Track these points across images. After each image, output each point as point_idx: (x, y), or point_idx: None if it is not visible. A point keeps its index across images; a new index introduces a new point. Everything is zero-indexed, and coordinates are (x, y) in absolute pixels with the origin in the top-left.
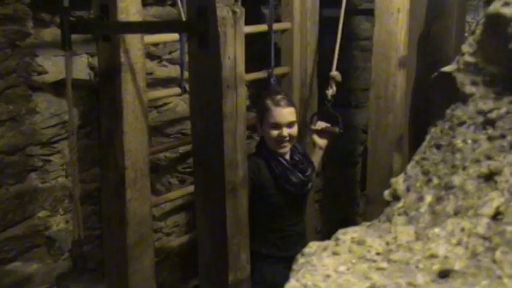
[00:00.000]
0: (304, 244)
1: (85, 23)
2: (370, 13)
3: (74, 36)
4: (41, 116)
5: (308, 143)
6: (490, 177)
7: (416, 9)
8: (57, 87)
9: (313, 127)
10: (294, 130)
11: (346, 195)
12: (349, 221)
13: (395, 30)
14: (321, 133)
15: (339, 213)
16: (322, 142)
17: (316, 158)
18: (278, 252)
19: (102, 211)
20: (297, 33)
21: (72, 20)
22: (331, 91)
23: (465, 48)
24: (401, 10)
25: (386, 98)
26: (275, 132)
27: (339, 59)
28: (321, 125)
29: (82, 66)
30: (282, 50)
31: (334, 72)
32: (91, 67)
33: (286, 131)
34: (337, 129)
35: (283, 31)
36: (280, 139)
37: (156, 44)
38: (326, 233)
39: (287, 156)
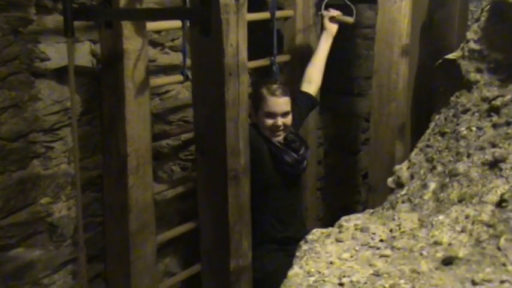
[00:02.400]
0: (301, 225)
1: (88, 10)
2: (373, 1)
3: (76, 23)
4: (43, 103)
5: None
6: (494, 165)
7: None
8: (60, 74)
9: (324, 13)
10: (289, 119)
11: (348, 183)
12: (351, 209)
13: (398, 18)
14: (332, 20)
15: (340, 201)
16: (333, 28)
17: (325, 46)
18: (274, 231)
19: (104, 198)
20: (300, 21)
21: (75, 6)
22: None
23: (470, 35)
24: None
25: (389, 86)
26: (269, 121)
27: (342, 47)
28: (333, 12)
29: (84, 53)
30: (285, 37)
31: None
32: (93, 54)
33: (280, 121)
34: (351, 18)
35: (286, 18)
36: (274, 128)
37: (158, 31)
38: (328, 220)
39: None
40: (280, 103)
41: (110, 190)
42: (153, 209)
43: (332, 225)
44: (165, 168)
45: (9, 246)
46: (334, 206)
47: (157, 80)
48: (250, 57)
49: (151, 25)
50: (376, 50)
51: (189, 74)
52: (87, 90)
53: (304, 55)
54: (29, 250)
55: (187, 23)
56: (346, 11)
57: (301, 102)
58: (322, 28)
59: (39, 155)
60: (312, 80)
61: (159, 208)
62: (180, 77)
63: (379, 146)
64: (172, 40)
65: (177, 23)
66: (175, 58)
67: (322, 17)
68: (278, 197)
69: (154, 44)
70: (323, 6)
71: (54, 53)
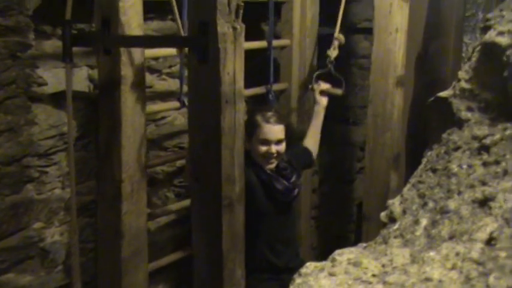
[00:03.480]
0: (294, 254)
1: (86, 36)
2: (369, 32)
3: (74, 49)
4: (39, 127)
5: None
6: (484, 203)
7: (415, 29)
8: (57, 99)
9: (315, 86)
10: (282, 147)
11: (343, 212)
12: (345, 238)
13: (394, 49)
14: (323, 94)
15: (335, 230)
16: (324, 100)
17: (318, 119)
18: (266, 260)
19: (98, 223)
20: (296, 50)
21: (74, 32)
22: (334, 53)
23: (461, 74)
24: (400, 30)
25: (384, 116)
26: (263, 149)
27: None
28: (323, 85)
29: (81, 78)
30: (281, 66)
31: (339, 34)
32: (90, 79)
33: (274, 148)
34: (340, 91)
35: (282, 47)
36: (268, 155)
37: (156, 58)
38: (322, 249)
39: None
40: (275, 130)
41: (103, 216)
42: (146, 236)
43: (326, 255)
44: (160, 195)
45: (0, 271)
46: (329, 234)
47: (153, 106)
48: (247, 85)
49: (149, 52)
50: (371, 80)
51: (186, 100)
52: (84, 116)
53: (301, 84)
54: (20, 275)
55: (185, 51)
56: (336, 82)
57: (301, 154)
58: (314, 101)
59: (33, 179)
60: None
61: (152, 235)
62: (176, 104)
63: (374, 175)
64: (170, 67)
65: (175, 50)
66: (172, 85)
67: (313, 90)
68: (270, 225)
69: (151, 70)
70: (314, 79)
71: (52, 77)
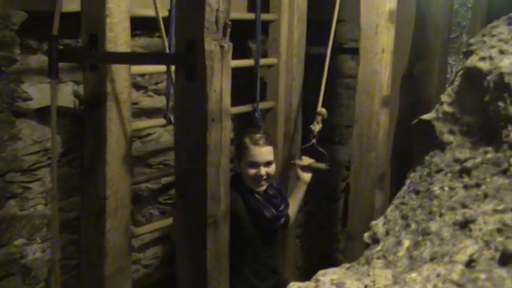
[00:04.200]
0: (277, 278)
1: (73, 52)
2: (355, 52)
3: (60, 64)
4: (23, 143)
5: (291, 177)
6: (465, 225)
7: (400, 50)
8: (41, 114)
9: (298, 162)
10: (272, 169)
11: (328, 231)
12: (330, 257)
13: (380, 69)
14: (306, 168)
15: (319, 249)
16: (307, 177)
17: (300, 193)
18: (250, 284)
19: (81, 241)
20: (283, 68)
21: (60, 48)
22: (317, 127)
23: (444, 97)
24: (386, 50)
25: (369, 136)
26: (253, 171)
27: (324, 96)
28: (306, 160)
29: (67, 94)
30: (268, 84)
31: (321, 109)
32: (76, 95)
33: (264, 170)
34: (323, 165)
35: (269, 66)
36: (257, 178)
37: (142, 75)
38: (306, 268)
39: (262, 191)
40: (263, 152)
41: (86, 232)
42: (130, 253)
43: (310, 274)
44: (144, 212)
45: None
46: (313, 253)
47: (139, 123)
48: (234, 103)
49: (135, 68)
50: (357, 100)
51: (172, 117)
52: (68, 131)
53: (287, 102)
54: None
55: (172, 68)
56: (320, 155)
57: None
58: (297, 176)
59: (16, 195)
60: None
61: (136, 253)
62: (162, 121)
63: (358, 194)
64: (156, 83)
65: (162, 67)
66: (158, 101)
67: (295, 165)
68: (254, 251)
69: (138, 86)
70: (297, 155)
71: (37, 93)
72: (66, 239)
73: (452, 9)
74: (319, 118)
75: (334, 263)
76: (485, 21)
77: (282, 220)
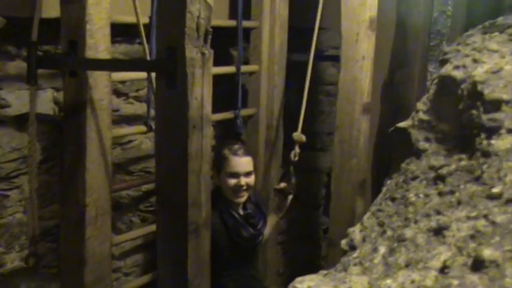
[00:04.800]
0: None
1: (52, 58)
2: (336, 59)
3: (39, 70)
4: (2, 150)
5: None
6: (439, 232)
7: (381, 57)
8: (20, 121)
9: (276, 186)
10: (251, 179)
11: (309, 237)
12: (311, 264)
13: (360, 76)
14: (282, 194)
15: (301, 256)
16: (282, 205)
17: (273, 220)
18: None
19: (60, 249)
20: (265, 76)
21: (40, 54)
22: (293, 153)
23: (419, 105)
24: (366, 58)
25: (350, 143)
26: (233, 182)
27: (306, 103)
28: (282, 185)
29: (46, 101)
30: (249, 91)
31: (298, 134)
32: (55, 102)
33: (243, 181)
34: (290, 191)
35: (251, 73)
36: (237, 188)
37: (123, 81)
38: (288, 275)
39: (240, 208)
40: (243, 163)
41: (66, 241)
42: (110, 262)
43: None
44: (125, 219)
45: None
46: (295, 260)
47: (120, 130)
48: (215, 110)
49: (116, 75)
50: (338, 107)
51: (153, 124)
52: (48, 138)
53: (268, 109)
54: None
55: (153, 75)
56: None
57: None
58: (275, 203)
59: None
60: None
61: (116, 260)
62: (143, 128)
63: (340, 201)
64: (137, 90)
65: (143, 74)
66: (139, 108)
67: (274, 191)
68: (232, 268)
69: (118, 93)
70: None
71: (15, 99)
72: (45, 248)
73: (432, 18)
74: (295, 144)
75: (316, 270)
76: (464, 29)
77: (260, 238)
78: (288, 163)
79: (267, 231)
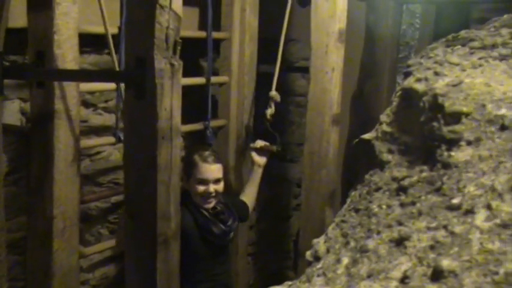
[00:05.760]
0: None
1: (19, 68)
2: (305, 71)
3: (6, 81)
4: None
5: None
6: (400, 242)
7: (350, 69)
8: None
9: (252, 145)
10: (220, 186)
11: (280, 248)
12: (281, 275)
13: (329, 88)
14: (260, 151)
15: (271, 267)
16: (261, 160)
17: (256, 177)
18: None
19: (27, 262)
20: (235, 86)
21: (6, 64)
22: (269, 110)
23: (383, 117)
24: (336, 69)
25: (320, 154)
26: (201, 188)
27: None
28: (259, 143)
29: (13, 111)
30: (219, 102)
31: (274, 93)
32: (23, 112)
33: (212, 187)
34: (275, 147)
35: (221, 84)
36: (206, 195)
37: (92, 92)
38: (259, 286)
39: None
40: (213, 170)
41: (33, 253)
42: (78, 274)
43: None
44: (93, 231)
45: None
46: (265, 271)
47: (88, 141)
48: (185, 121)
49: (84, 86)
50: (308, 118)
51: (121, 135)
52: (15, 149)
53: (239, 120)
54: None
55: (122, 85)
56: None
57: (238, 205)
58: (252, 161)
59: None
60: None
61: (84, 273)
62: (112, 139)
63: (309, 211)
64: (106, 101)
65: (111, 85)
66: (108, 119)
67: (250, 150)
68: (206, 267)
69: (87, 104)
70: (251, 138)
71: None
72: (12, 260)
73: (400, 30)
74: (271, 102)
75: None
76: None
77: (231, 235)
78: (264, 120)
79: (253, 193)
